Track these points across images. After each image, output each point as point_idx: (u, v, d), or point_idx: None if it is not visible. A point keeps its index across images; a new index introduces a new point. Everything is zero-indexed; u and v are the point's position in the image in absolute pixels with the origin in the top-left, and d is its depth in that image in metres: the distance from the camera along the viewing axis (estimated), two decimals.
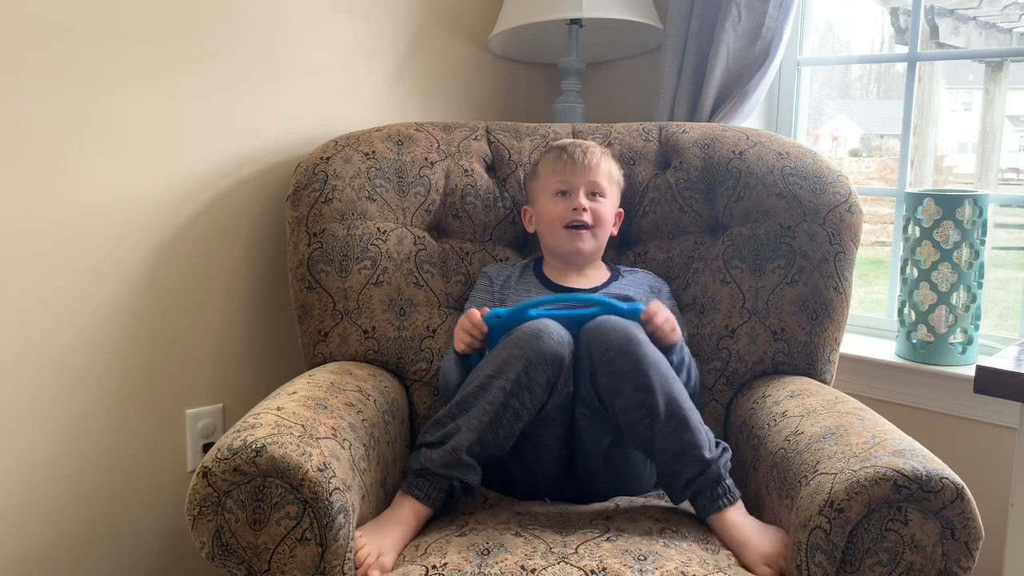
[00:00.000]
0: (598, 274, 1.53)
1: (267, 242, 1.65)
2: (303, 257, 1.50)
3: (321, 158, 1.54)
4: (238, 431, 1.09)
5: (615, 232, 1.54)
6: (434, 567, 1.07)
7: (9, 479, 1.41)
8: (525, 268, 1.55)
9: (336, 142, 1.57)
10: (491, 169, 1.65)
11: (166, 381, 1.56)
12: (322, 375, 1.35)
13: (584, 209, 1.45)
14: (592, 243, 1.48)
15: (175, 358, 1.57)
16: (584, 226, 1.46)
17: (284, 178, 1.63)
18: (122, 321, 1.50)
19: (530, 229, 1.56)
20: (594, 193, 1.48)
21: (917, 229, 1.66)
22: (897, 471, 1.01)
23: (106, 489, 1.51)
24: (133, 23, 1.45)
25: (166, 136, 1.51)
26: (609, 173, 1.50)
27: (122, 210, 1.48)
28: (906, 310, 1.70)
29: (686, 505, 1.24)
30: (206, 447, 1.62)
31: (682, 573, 1.05)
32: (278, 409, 1.16)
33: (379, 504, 1.24)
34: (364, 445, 1.21)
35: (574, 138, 1.60)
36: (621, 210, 1.56)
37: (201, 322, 1.59)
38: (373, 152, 1.56)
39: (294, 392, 1.25)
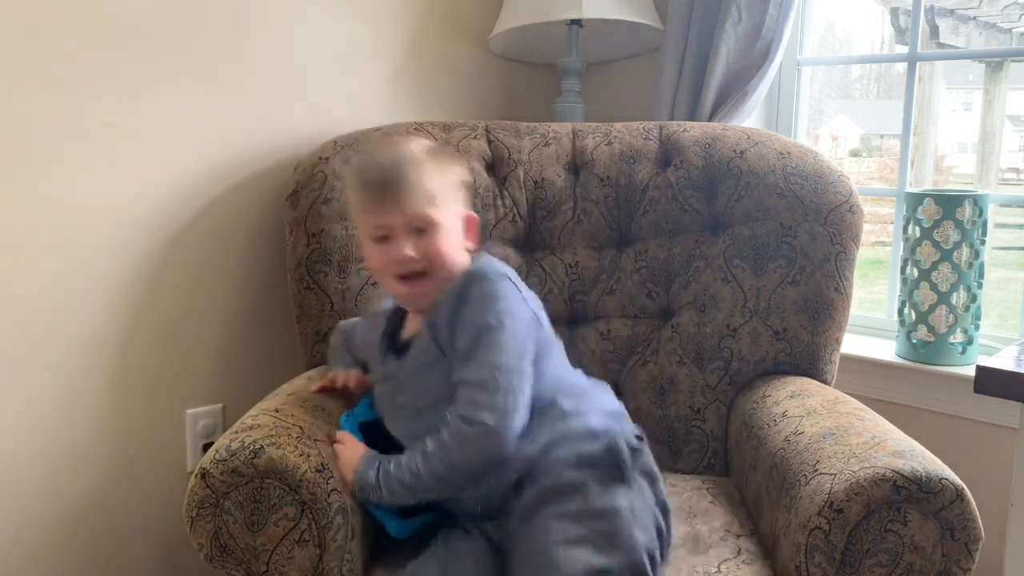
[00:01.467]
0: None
1: (266, 242, 1.65)
2: (302, 257, 1.49)
3: (320, 158, 1.53)
4: (236, 432, 1.08)
5: (472, 243, 1.21)
6: None
7: (9, 480, 1.41)
8: (387, 314, 1.29)
9: (335, 142, 1.57)
10: (491, 168, 1.65)
11: (166, 381, 1.56)
12: (321, 375, 1.35)
13: (411, 257, 1.13)
14: (431, 285, 1.15)
15: (175, 358, 1.57)
16: (415, 275, 1.15)
17: (283, 178, 1.63)
18: (122, 321, 1.50)
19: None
20: (420, 228, 1.14)
21: (917, 229, 1.66)
22: (897, 472, 1.01)
23: (106, 489, 1.51)
24: (132, 24, 1.45)
25: (165, 137, 1.51)
26: (430, 193, 1.15)
27: (122, 211, 1.48)
28: (906, 310, 1.70)
29: None
30: (206, 447, 1.61)
31: None
32: (276, 410, 1.16)
33: None
34: None
35: (436, 150, 1.22)
36: (472, 215, 1.22)
37: (201, 322, 1.59)
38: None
39: (292, 393, 1.25)
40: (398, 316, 1.25)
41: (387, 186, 1.12)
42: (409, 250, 1.12)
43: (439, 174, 1.16)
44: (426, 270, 1.13)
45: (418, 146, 1.19)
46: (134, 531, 1.55)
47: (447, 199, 1.16)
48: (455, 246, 1.16)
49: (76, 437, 1.47)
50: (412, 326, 1.21)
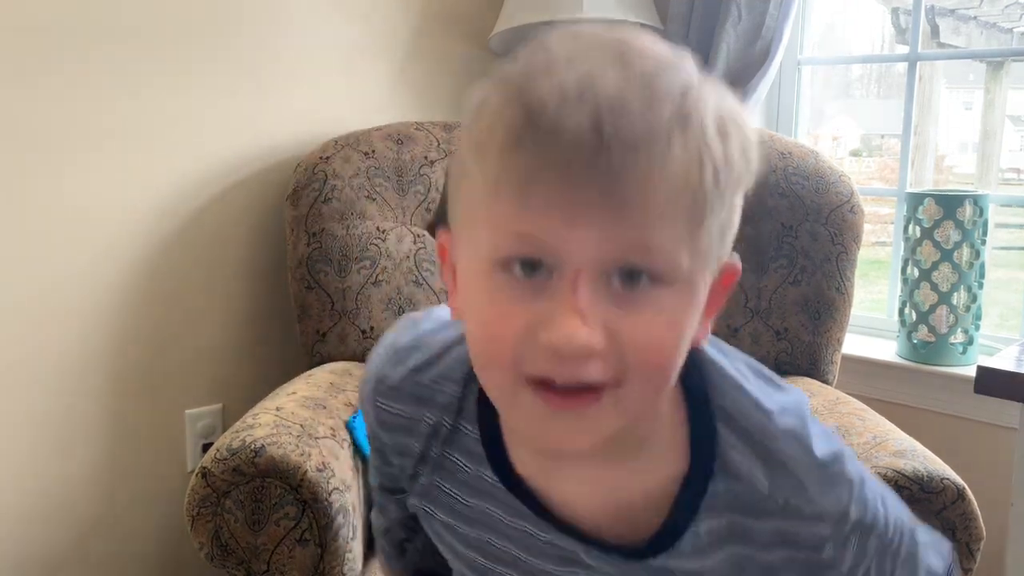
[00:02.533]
0: (644, 476, 0.62)
1: (267, 242, 1.65)
2: (302, 257, 1.49)
3: (321, 158, 1.53)
4: (237, 431, 1.08)
5: (704, 339, 0.59)
6: None
7: (8, 480, 1.41)
8: (455, 433, 0.68)
9: (336, 141, 1.57)
10: None
11: (165, 381, 1.56)
12: (321, 375, 1.35)
13: (589, 349, 0.50)
14: (607, 424, 0.54)
15: (174, 358, 1.57)
16: (583, 389, 0.52)
17: (283, 178, 1.63)
18: (121, 321, 1.50)
19: (452, 305, 0.59)
20: (634, 273, 0.50)
21: (918, 229, 1.66)
22: (898, 472, 1.01)
23: (106, 490, 1.51)
24: (132, 25, 1.45)
25: (165, 136, 1.51)
26: (703, 205, 0.51)
27: (121, 210, 1.48)
28: (907, 310, 1.70)
29: None
30: (206, 447, 1.61)
31: None
32: (277, 409, 1.16)
33: None
34: None
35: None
36: (735, 266, 0.62)
37: (201, 322, 1.59)
38: (372, 151, 1.56)
39: (293, 392, 1.25)
40: (488, 422, 0.65)
41: (611, 158, 0.47)
42: (589, 332, 0.49)
43: (738, 160, 0.52)
44: (615, 382, 0.51)
45: (689, 73, 0.51)
46: (134, 531, 1.55)
47: (721, 224, 0.54)
48: (686, 337, 0.54)
49: (75, 437, 1.47)
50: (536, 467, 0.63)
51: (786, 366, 1.48)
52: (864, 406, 1.28)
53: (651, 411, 0.59)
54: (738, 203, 0.57)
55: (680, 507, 0.61)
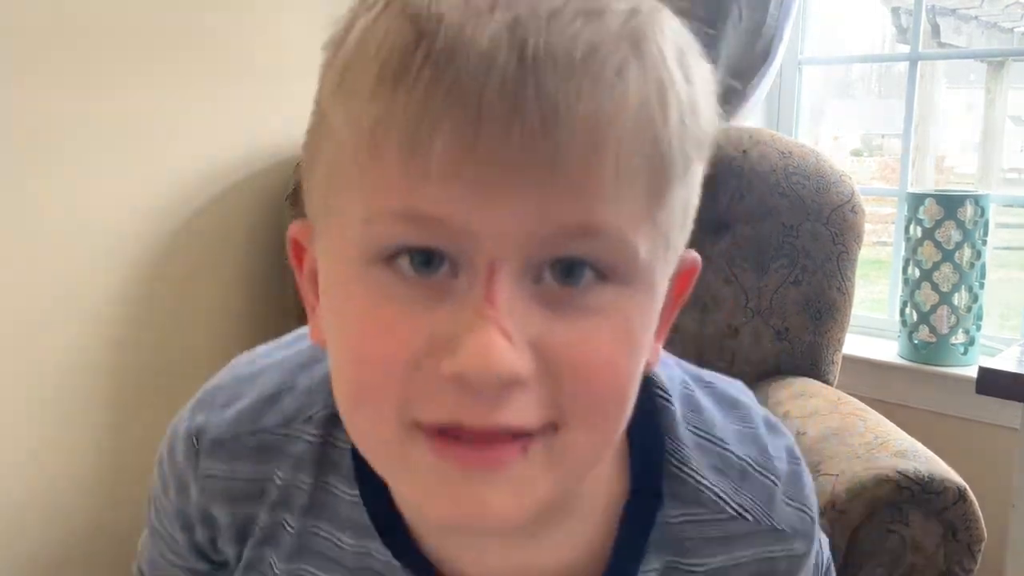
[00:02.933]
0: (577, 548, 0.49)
1: (267, 242, 1.65)
2: None
3: None
4: None
5: (656, 363, 0.45)
6: None
7: (8, 482, 1.40)
8: (320, 495, 0.50)
9: None
10: None
11: (165, 382, 1.56)
12: None
13: (513, 373, 0.35)
14: (540, 487, 0.38)
15: (174, 358, 1.56)
16: (502, 437, 0.37)
17: (283, 178, 1.63)
18: (120, 322, 1.49)
19: (312, 325, 0.47)
20: (574, 266, 0.37)
21: (918, 229, 1.65)
22: (899, 472, 1.01)
23: (106, 492, 1.51)
24: (130, 23, 1.45)
25: (164, 136, 1.50)
26: (670, 159, 0.37)
27: (119, 210, 1.47)
28: (907, 310, 1.70)
29: None
30: None
31: None
32: None
33: None
34: None
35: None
36: (694, 259, 0.47)
37: (200, 323, 1.59)
38: None
39: None
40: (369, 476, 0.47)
41: (540, 92, 0.33)
42: (511, 351, 0.35)
43: (704, 109, 0.39)
44: (551, 425, 0.38)
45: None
46: (133, 532, 1.55)
47: (684, 201, 0.41)
48: (643, 356, 0.41)
49: (74, 437, 1.47)
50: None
51: (786, 366, 1.48)
52: (865, 406, 1.28)
53: (596, 465, 0.41)
54: (699, 177, 0.41)
55: (619, 557, 0.47)
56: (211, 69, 1.54)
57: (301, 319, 1.63)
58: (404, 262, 0.36)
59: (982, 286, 1.66)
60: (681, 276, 0.44)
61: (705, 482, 0.48)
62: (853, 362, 1.73)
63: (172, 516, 0.55)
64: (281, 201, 1.59)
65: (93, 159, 1.43)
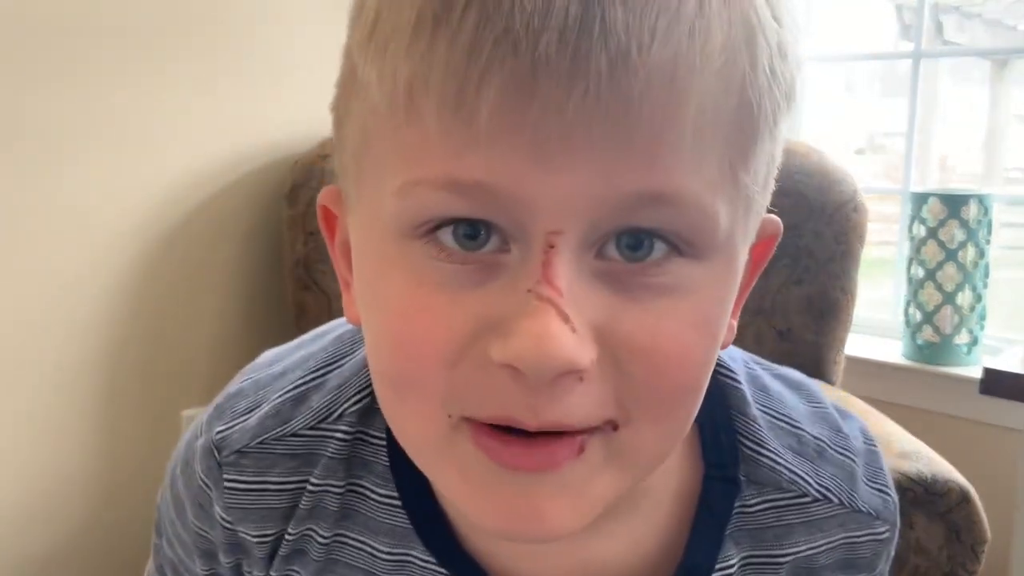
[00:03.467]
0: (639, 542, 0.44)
1: (264, 241, 1.64)
2: (300, 256, 1.48)
3: (319, 156, 1.52)
4: None
5: (731, 340, 0.44)
6: None
7: (5, 481, 1.40)
8: (353, 498, 0.45)
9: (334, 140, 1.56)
10: None
11: (162, 382, 1.55)
12: None
13: (573, 363, 0.30)
14: (602, 490, 0.35)
15: (171, 358, 1.56)
16: (561, 435, 0.33)
17: (281, 176, 1.62)
18: (118, 321, 1.49)
19: (347, 305, 0.45)
20: (645, 239, 0.32)
21: (922, 229, 1.64)
22: (903, 473, 1.00)
23: (101, 491, 1.50)
24: (129, 21, 1.44)
25: (161, 134, 1.50)
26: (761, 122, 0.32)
27: (116, 209, 1.47)
28: (911, 310, 1.69)
29: None
30: None
31: None
32: None
33: None
34: None
35: None
36: (776, 224, 0.41)
37: (197, 322, 1.58)
38: None
39: None
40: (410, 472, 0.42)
41: (607, 34, 0.29)
42: (573, 338, 0.30)
43: (792, 56, 0.34)
44: (615, 421, 0.33)
45: None
46: (131, 532, 1.55)
47: (768, 160, 0.36)
48: (719, 340, 0.37)
49: (72, 437, 1.46)
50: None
51: (789, 367, 1.47)
52: (868, 407, 1.27)
53: (663, 462, 0.37)
54: (783, 132, 0.35)
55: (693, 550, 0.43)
56: (208, 67, 1.54)
57: (299, 318, 1.62)
58: (447, 236, 0.32)
59: (986, 286, 1.65)
60: (761, 244, 0.40)
61: (784, 464, 0.44)
62: (856, 362, 1.72)
63: (189, 544, 0.48)
64: (279, 200, 1.58)
65: (89, 158, 1.43)
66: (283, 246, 1.53)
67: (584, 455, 0.33)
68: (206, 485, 0.46)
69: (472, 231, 0.31)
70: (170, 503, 0.50)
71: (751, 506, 0.44)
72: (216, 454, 0.45)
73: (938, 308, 1.64)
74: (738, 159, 0.32)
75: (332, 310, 1.47)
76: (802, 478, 0.44)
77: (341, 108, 0.38)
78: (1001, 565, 1.28)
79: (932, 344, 1.66)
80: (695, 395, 0.34)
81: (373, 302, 0.35)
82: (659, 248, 0.31)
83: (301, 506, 0.44)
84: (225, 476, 0.45)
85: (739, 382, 0.45)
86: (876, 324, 1.90)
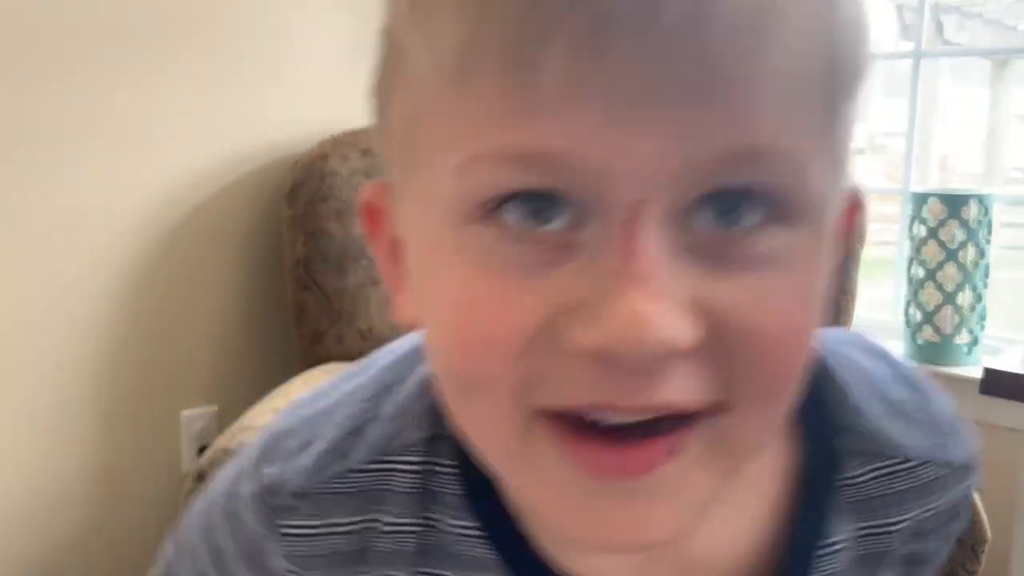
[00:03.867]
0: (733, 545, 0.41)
1: (263, 241, 1.64)
2: (300, 256, 1.48)
3: (318, 156, 1.52)
4: (234, 434, 1.07)
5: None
6: None
7: (5, 481, 1.40)
8: (432, 534, 0.41)
9: (334, 139, 1.55)
10: None
11: (161, 382, 1.55)
12: (318, 376, 1.34)
13: (671, 344, 0.27)
14: (701, 490, 0.31)
15: (170, 359, 1.56)
16: (658, 430, 0.29)
17: (281, 176, 1.62)
18: (117, 322, 1.48)
19: (398, 305, 0.37)
20: (739, 202, 0.28)
21: (922, 229, 1.64)
22: None
23: (101, 492, 1.50)
24: (129, 21, 1.44)
25: (161, 134, 1.50)
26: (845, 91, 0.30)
27: (116, 209, 1.46)
28: (911, 310, 1.69)
29: None
30: (201, 450, 1.60)
31: None
32: (274, 411, 1.14)
33: None
34: None
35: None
36: (859, 195, 0.38)
37: (196, 323, 1.58)
38: (371, 149, 1.55)
39: (290, 394, 1.24)
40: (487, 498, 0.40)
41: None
42: (669, 314, 0.27)
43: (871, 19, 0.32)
44: (716, 405, 0.30)
45: None
46: (130, 532, 1.54)
47: (854, 122, 0.32)
48: (819, 314, 0.32)
49: (71, 438, 1.46)
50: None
51: None
52: None
53: (763, 451, 0.35)
54: (862, 101, 0.32)
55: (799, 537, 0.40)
56: (208, 67, 1.54)
57: (299, 318, 1.61)
58: (510, 214, 0.28)
59: (986, 286, 1.65)
60: (846, 214, 0.36)
61: (885, 430, 0.41)
62: None
63: None
64: (278, 200, 1.58)
65: (89, 158, 1.42)
66: (283, 246, 1.53)
67: (681, 452, 0.30)
68: (261, 535, 0.41)
69: (539, 206, 0.28)
70: (204, 559, 0.45)
71: (856, 477, 0.41)
72: (270, 499, 0.41)
73: (938, 308, 1.64)
74: (830, 113, 0.29)
75: (332, 310, 1.47)
76: (903, 443, 0.42)
77: (383, 92, 0.33)
78: (1001, 565, 1.28)
79: (932, 344, 1.66)
80: (799, 376, 0.31)
81: (432, 299, 0.32)
82: (753, 214, 0.28)
83: (376, 548, 0.40)
84: (284, 522, 0.41)
85: (819, 348, 0.41)
86: (876, 324, 1.90)
